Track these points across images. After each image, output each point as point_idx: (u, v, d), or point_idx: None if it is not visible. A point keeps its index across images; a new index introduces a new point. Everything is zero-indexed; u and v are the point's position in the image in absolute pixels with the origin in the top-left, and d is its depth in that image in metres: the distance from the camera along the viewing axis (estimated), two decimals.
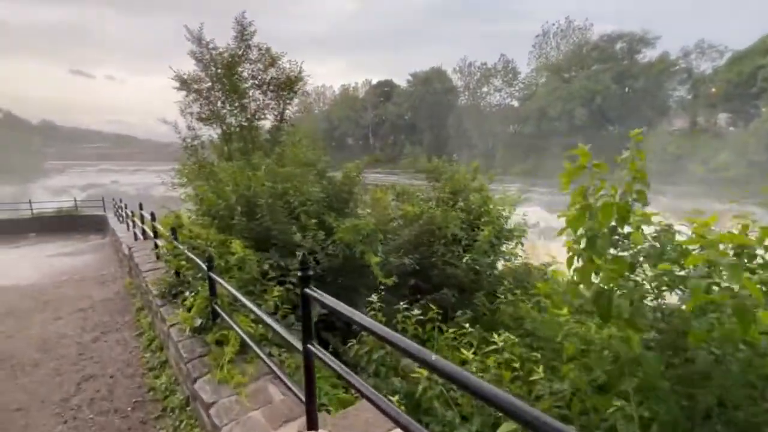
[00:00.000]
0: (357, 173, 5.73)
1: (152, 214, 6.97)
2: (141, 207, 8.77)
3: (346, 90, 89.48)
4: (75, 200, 21.77)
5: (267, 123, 9.34)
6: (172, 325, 4.35)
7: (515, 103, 71.24)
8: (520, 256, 6.65)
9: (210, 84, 8.80)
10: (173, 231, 5.23)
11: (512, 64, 71.74)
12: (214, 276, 3.64)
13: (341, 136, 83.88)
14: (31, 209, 19.81)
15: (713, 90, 51.25)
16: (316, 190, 5.28)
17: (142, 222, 8.73)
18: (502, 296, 5.44)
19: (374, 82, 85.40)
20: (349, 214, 5.93)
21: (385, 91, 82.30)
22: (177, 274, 5.39)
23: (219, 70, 8.55)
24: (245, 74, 8.85)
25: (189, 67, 9.13)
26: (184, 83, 8.73)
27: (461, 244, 6.48)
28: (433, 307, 4.14)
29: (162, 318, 4.71)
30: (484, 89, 74.62)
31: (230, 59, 8.57)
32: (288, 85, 8.94)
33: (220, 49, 8.69)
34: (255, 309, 2.72)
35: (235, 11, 8.95)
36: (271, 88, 8.91)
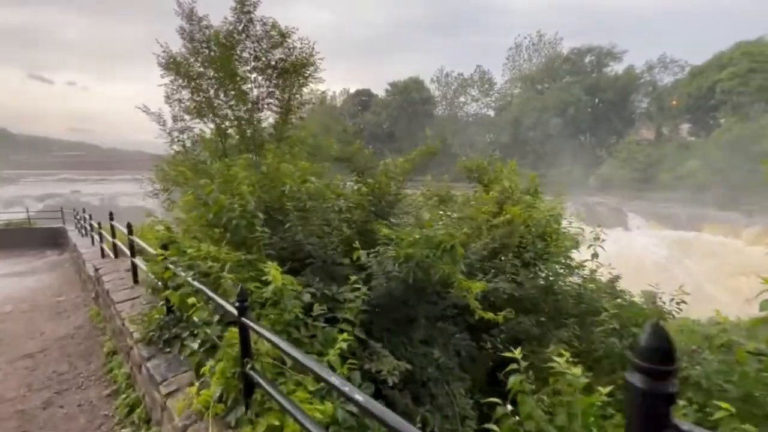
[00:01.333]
0: (407, 168, 4.41)
1: (129, 226, 5.37)
2: (111, 216, 7.06)
3: (323, 98, 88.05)
4: (27, 211, 19.14)
5: (270, 116, 7.79)
6: (169, 394, 2.85)
7: (491, 113, 72.61)
8: (595, 270, 5.50)
9: (201, 69, 7.19)
10: (165, 248, 3.71)
11: (488, 75, 73.26)
12: (250, 324, 2.22)
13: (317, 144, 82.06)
14: None
15: (673, 102, 54.17)
16: (364, 191, 3.94)
17: (113, 236, 7.02)
18: (604, 325, 4.27)
19: (352, 91, 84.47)
20: (395, 222, 4.60)
21: (363, 100, 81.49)
22: (169, 309, 3.87)
23: (213, 52, 6.96)
24: (246, 54, 7.31)
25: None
26: (173, 63, 7.04)
27: (521, 258, 5.27)
28: (511, 351, 2.75)
29: (150, 378, 3.18)
30: (461, 99, 75.77)
31: (228, 37, 6.99)
32: (296, 69, 7.43)
33: (216, 28, 7.10)
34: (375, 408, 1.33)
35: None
36: (277, 71, 7.38)
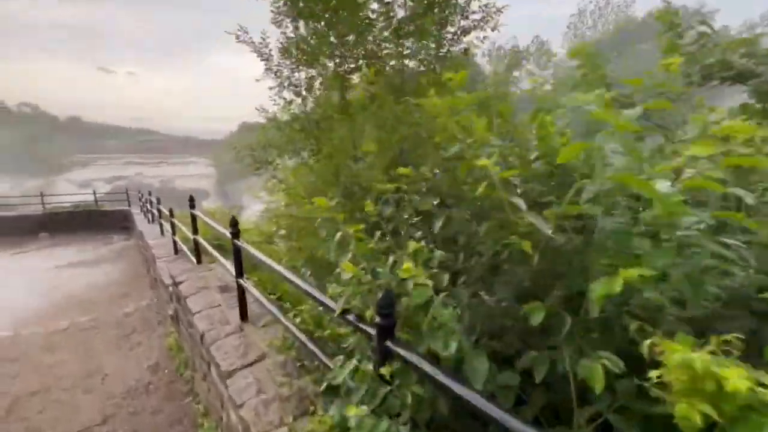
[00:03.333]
0: None
1: (234, 224, 3.10)
2: (192, 204, 4.92)
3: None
4: (94, 193, 18.36)
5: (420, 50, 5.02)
6: None
7: (548, 88, 67.40)
8: None
9: None
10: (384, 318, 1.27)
11: (546, 46, 66.87)
12: None
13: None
14: (43, 204, 16.46)
15: None
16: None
17: (196, 231, 4.89)
18: None
19: None
20: None
21: None
22: None
23: None
24: None
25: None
26: None
27: None
28: None
29: None
30: (515, 74, 70.40)
31: None
32: None
33: None
34: None
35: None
36: None
